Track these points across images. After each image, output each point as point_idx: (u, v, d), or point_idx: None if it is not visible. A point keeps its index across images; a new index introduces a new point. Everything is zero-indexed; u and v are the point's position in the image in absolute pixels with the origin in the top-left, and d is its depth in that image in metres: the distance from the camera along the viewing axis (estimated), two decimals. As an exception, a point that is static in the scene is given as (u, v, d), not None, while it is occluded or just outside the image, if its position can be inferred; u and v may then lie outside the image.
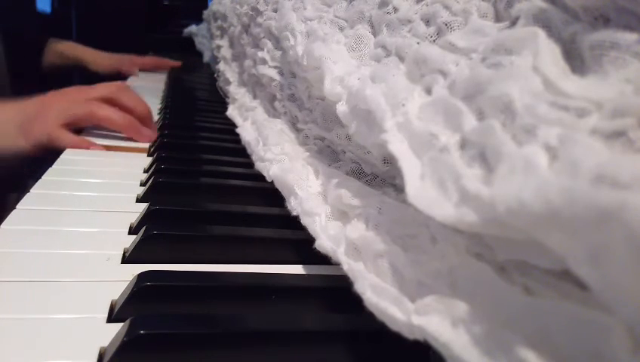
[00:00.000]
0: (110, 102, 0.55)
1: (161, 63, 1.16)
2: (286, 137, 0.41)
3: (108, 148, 0.53)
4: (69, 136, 0.52)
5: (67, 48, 1.11)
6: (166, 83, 0.98)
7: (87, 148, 0.52)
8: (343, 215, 0.27)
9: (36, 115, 0.53)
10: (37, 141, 0.52)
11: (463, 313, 0.15)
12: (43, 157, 0.51)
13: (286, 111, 0.43)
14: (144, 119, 0.57)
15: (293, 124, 0.41)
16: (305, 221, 0.29)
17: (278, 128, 0.43)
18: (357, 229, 0.24)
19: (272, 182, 0.37)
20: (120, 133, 0.56)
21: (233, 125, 0.56)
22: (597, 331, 0.12)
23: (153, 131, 0.58)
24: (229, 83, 0.71)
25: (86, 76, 1.12)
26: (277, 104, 0.46)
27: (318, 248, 0.27)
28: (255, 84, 0.56)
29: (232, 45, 0.77)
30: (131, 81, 1.00)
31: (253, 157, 0.45)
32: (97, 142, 0.53)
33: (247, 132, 0.50)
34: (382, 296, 0.20)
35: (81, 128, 0.56)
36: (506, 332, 0.14)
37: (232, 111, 0.61)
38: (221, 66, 0.78)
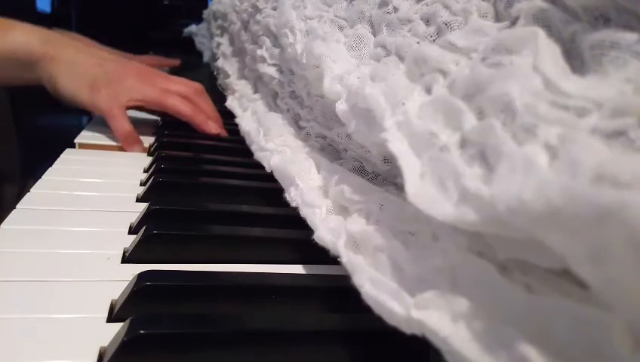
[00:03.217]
0: (185, 100, 0.57)
1: (160, 63, 1.16)
2: (288, 130, 0.41)
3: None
4: (122, 123, 0.52)
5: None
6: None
7: (129, 146, 0.52)
8: (343, 210, 0.27)
9: (111, 79, 0.54)
10: (97, 104, 0.53)
11: (464, 308, 0.15)
12: (43, 157, 0.51)
13: (288, 109, 0.43)
14: (216, 120, 0.58)
15: (296, 122, 0.41)
16: (304, 212, 0.29)
17: (279, 122, 0.43)
18: (358, 223, 0.24)
19: (271, 172, 0.37)
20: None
21: (234, 125, 0.56)
22: (597, 329, 0.12)
23: (221, 130, 0.58)
24: (228, 76, 0.71)
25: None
26: (279, 101, 0.46)
27: (316, 240, 0.27)
28: (257, 79, 0.56)
29: (232, 42, 0.77)
30: None
31: (253, 147, 0.45)
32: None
33: (246, 122, 0.50)
34: (381, 289, 0.20)
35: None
36: (507, 328, 0.14)
37: (231, 102, 0.61)
38: (220, 62, 0.78)
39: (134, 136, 0.53)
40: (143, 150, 0.53)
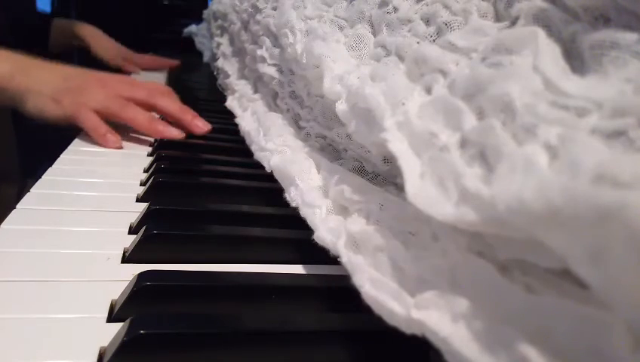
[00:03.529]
0: (146, 105, 0.56)
1: (160, 63, 1.15)
2: (288, 130, 0.41)
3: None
4: (91, 118, 0.53)
5: (75, 27, 1.09)
6: (166, 83, 0.98)
7: (102, 135, 0.52)
8: (343, 210, 0.27)
9: (73, 89, 0.55)
10: (64, 111, 0.53)
11: (464, 308, 0.15)
12: (43, 157, 0.51)
13: (288, 109, 0.43)
14: (183, 114, 0.57)
15: (296, 122, 0.41)
16: (304, 212, 0.29)
17: (279, 122, 0.43)
18: (358, 223, 0.24)
19: (271, 172, 0.37)
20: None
21: (233, 125, 0.56)
22: (597, 329, 0.12)
23: (200, 127, 0.57)
24: (228, 76, 0.71)
25: (87, 60, 1.10)
26: (279, 101, 0.46)
27: (316, 240, 0.27)
28: (257, 79, 0.56)
29: (232, 42, 0.77)
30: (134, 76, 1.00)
31: (253, 147, 0.45)
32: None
33: (246, 122, 0.50)
34: (381, 289, 0.20)
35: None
36: (507, 328, 0.14)
37: (231, 102, 0.61)
38: (220, 62, 0.79)
39: (105, 127, 0.53)
40: (118, 142, 0.53)
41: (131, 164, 0.48)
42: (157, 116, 0.58)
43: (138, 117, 0.55)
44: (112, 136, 0.53)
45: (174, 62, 1.16)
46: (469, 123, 0.18)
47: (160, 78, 1.05)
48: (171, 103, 0.58)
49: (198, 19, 1.33)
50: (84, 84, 0.56)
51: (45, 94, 0.54)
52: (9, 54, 0.58)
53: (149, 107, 0.57)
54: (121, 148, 0.53)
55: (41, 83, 0.55)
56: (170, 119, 0.57)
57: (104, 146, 0.52)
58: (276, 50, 0.46)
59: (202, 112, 0.66)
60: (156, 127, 0.55)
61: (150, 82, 0.60)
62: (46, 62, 0.59)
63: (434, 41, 0.25)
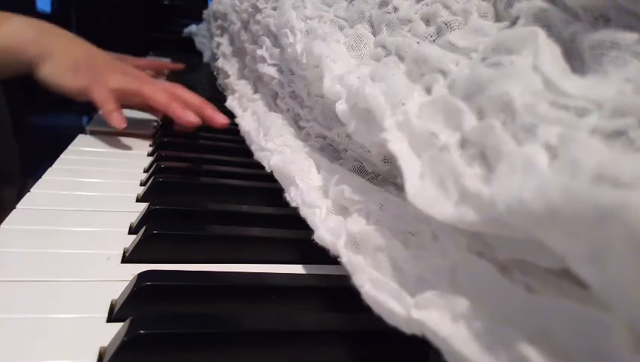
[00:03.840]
0: (167, 93, 0.56)
1: (160, 66, 1.10)
2: (288, 130, 0.41)
3: (121, 133, 0.54)
4: (102, 93, 0.52)
5: None
6: (167, 80, 0.98)
7: (109, 111, 0.52)
8: (343, 210, 0.27)
9: (95, 66, 0.55)
10: (80, 83, 0.53)
11: (464, 308, 0.15)
12: (43, 157, 0.51)
13: (288, 109, 0.43)
14: (205, 106, 0.57)
15: (296, 122, 0.41)
16: (304, 212, 0.29)
17: (279, 122, 0.43)
18: (358, 223, 0.24)
19: (271, 172, 0.37)
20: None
21: (233, 125, 0.56)
22: (597, 329, 0.12)
23: (220, 118, 0.57)
24: (228, 76, 0.71)
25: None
26: (279, 101, 0.46)
27: (316, 240, 0.27)
28: (257, 79, 0.56)
29: (232, 42, 0.77)
30: None
31: (253, 147, 0.45)
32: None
33: (246, 122, 0.50)
34: (381, 289, 0.20)
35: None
36: (507, 328, 0.14)
37: (231, 102, 0.61)
38: (220, 62, 0.78)
39: (114, 105, 0.52)
40: (123, 122, 0.52)
41: (131, 164, 0.48)
42: None
43: (158, 93, 0.54)
44: (119, 115, 0.52)
45: (178, 66, 1.13)
46: (469, 123, 0.18)
47: (160, 77, 1.05)
48: (192, 95, 0.58)
49: (198, 19, 1.33)
50: (107, 64, 0.56)
51: (65, 63, 0.54)
52: (36, 21, 0.57)
53: (170, 95, 0.56)
54: (124, 128, 0.52)
55: (63, 51, 0.55)
56: (192, 108, 0.56)
57: (109, 123, 0.52)
58: (276, 50, 0.46)
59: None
60: (175, 106, 0.54)
61: (167, 82, 0.61)
62: (74, 35, 0.59)
63: (434, 41, 0.25)
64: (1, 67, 0.56)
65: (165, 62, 1.17)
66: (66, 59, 0.54)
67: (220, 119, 0.56)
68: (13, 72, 0.57)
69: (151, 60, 1.15)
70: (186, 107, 0.55)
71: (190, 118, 0.54)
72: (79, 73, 0.54)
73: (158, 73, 1.10)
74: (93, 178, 0.42)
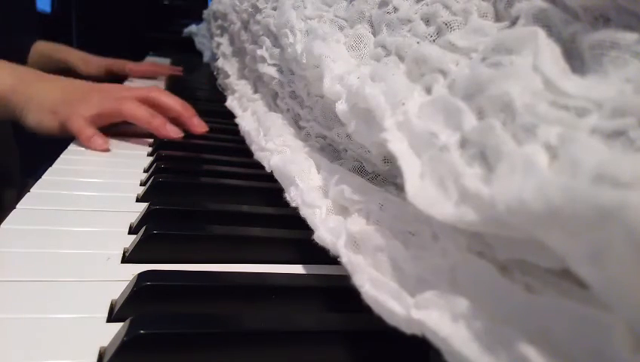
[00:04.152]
0: (145, 102, 0.56)
1: (158, 70, 1.10)
2: (288, 130, 0.41)
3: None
4: (79, 122, 0.53)
5: (52, 50, 1.07)
6: (165, 83, 0.98)
7: (88, 138, 0.52)
8: (343, 210, 0.27)
9: (70, 100, 0.55)
10: (58, 120, 0.54)
11: (464, 308, 0.15)
12: (42, 157, 0.51)
13: (288, 109, 0.43)
14: (183, 112, 0.57)
15: (296, 122, 0.41)
16: (304, 212, 0.29)
17: (279, 122, 0.43)
18: (358, 223, 0.24)
19: (271, 172, 0.37)
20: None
21: (233, 125, 0.56)
22: (598, 329, 0.12)
23: (198, 126, 0.58)
24: (228, 76, 0.71)
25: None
26: (279, 101, 0.46)
27: (316, 240, 0.27)
28: (257, 79, 0.56)
29: (232, 42, 0.77)
30: (130, 82, 1.00)
31: (253, 147, 0.45)
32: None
33: (246, 122, 0.50)
34: (381, 289, 0.20)
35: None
36: (507, 328, 0.14)
37: (231, 102, 0.61)
38: (220, 62, 0.79)
39: (92, 130, 0.53)
40: (105, 144, 0.52)
41: (131, 164, 0.48)
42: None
43: (137, 111, 0.54)
44: (99, 139, 0.52)
45: (175, 70, 1.11)
46: (469, 123, 0.18)
47: (159, 79, 1.05)
48: (172, 99, 0.58)
49: (198, 19, 1.33)
50: (83, 94, 0.56)
51: (44, 107, 0.55)
52: (12, 67, 0.59)
53: (149, 104, 0.56)
54: (107, 150, 0.52)
55: (41, 96, 0.56)
56: (171, 114, 0.57)
57: (91, 149, 0.52)
58: (276, 50, 0.46)
59: (202, 112, 0.66)
60: (156, 122, 0.54)
61: (145, 87, 0.60)
62: (48, 75, 0.60)
63: (434, 41, 0.25)
64: None
65: (164, 64, 1.17)
66: (43, 103, 0.56)
67: (198, 128, 0.57)
68: (1, 118, 0.59)
69: (148, 65, 1.14)
70: (166, 117, 0.56)
71: (171, 135, 0.55)
72: (57, 113, 0.55)
73: (157, 77, 1.10)
74: (93, 178, 0.42)
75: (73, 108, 0.54)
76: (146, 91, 0.57)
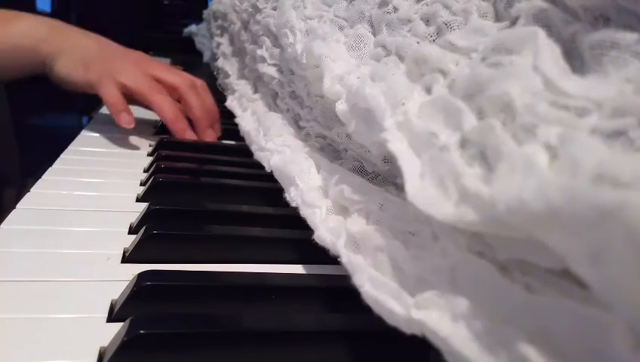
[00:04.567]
0: (174, 92, 0.56)
1: None
2: (288, 130, 0.41)
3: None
4: (111, 90, 0.52)
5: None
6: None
7: (118, 112, 0.51)
8: (343, 210, 0.27)
9: (106, 58, 0.54)
10: (90, 77, 0.53)
11: (464, 308, 0.15)
12: (43, 157, 0.51)
13: (288, 109, 0.43)
14: (202, 120, 0.56)
15: (296, 122, 0.41)
16: (304, 212, 0.29)
17: (279, 122, 0.43)
18: (358, 223, 0.24)
19: (271, 172, 0.37)
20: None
21: (234, 125, 0.56)
22: (597, 329, 0.12)
23: (214, 133, 0.57)
24: (228, 76, 0.71)
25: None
26: (279, 101, 0.46)
27: (316, 240, 0.27)
28: (257, 79, 0.56)
29: (232, 42, 0.77)
30: None
31: (253, 147, 0.45)
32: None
33: (246, 122, 0.50)
34: (381, 289, 0.20)
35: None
36: (507, 328, 0.14)
37: (231, 102, 0.60)
38: (220, 62, 0.78)
39: (123, 105, 0.52)
40: (131, 122, 0.52)
41: (131, 164, 0.48)
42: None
43: (165, 106, 0.54)
44: (128, 116, 0.52)
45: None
46: (469, 123, 0.18)
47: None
48: (198, 103, 0.57)
49: (198, 19, 1.33)
50: (119, 56, 0.55)
51: (77, 57, 0.54)
52: (48, 20, 0.57)
53: (176, 96, 0.56)
54: (132, 127, 0.52)
55: (75, 46, 0.55)
56: (190, 116, 0.57)
57: (117, 123, 0.52)
58: (276, 50, 0.46)
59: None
60: (178, 126, 0.54)
61: (185, 73, 0.60)
62: (83, 30, 0.59)
63: (434, 41, 0.25)
64: (15, 67, 0.56)
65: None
66: (77, 54, 0.54)
67: (208, 137, 0.57)
68: (27, 72, 0.57)
69: None
70: (187, 123, 0.55)
71: (187, 137, 0.55)
72: (90, 66, 0.53)
73: None
74: (93, 178, 0.42)
75: (107, 69, 0.53)
76: (179, 81, 0.56)
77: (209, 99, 0.59)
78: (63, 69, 0.54)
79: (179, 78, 0.57)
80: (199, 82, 0.59)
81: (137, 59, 0.57)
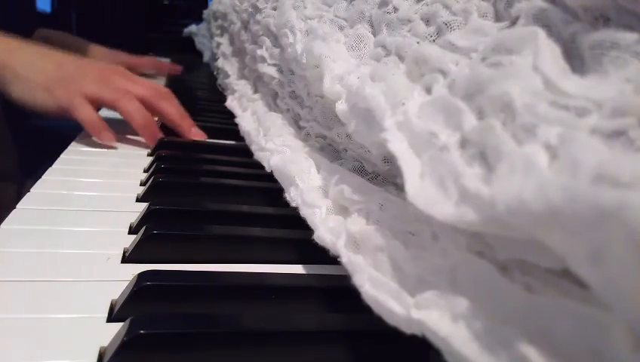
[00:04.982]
0: (143, 102, 0.54)
1: (160, 66, 1.09)
2: (288, 130, 0.41)
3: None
4: (86, 111, 0.50)
5: (58, 37, 1.01)
6: (165, 83, 0.98)
7: (98, 133, 0.50)
8: (343, 210, 0.27)
9: (66, 78, 0.52)
10: (57, 102, 0.51)
11: (464, 308, 0.15)
12: (43, 157, 0.51)
13: (288, 109, 0.43)
14: (182, 124, 0.56)
15: (296, 122, 0.41)
16: (304, 212, 0.29)
17: (279, 122, 0.43)
18: (358, 223, 0.24)
19: (271, 172, 0.37)
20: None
21: (234, 125, 0.56)
22: (597, 329, 0.12)
23: (195, 135, 0.56)
24: (228, 76, 0.71)
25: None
26: (279, 101, 0.46)
27: (316, 240, 0.27)
28: (257, 79, 0.56)
29: (232, 42, 0.77)
30: None
31: (253, 147, 0.45)
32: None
33: (246, 122, 0.50)
34: (381, 289, 0.20)
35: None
36: (507, 328, 0.14)
37: (231, 102, 0.61)
38: (220, 62, 0.78)
39: (102, 123, 0.51)
40: (113, 138, 0.51)
41: (131, 164, 0.48)
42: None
43: (135, 113, 0.52)
44: (109, 133, 0.51)
45: (176, 68, 1.12)
46: (469, 123, 0.18)
47: (160, 77, 1.05)
48: (171, 107, 0.56)
49: (198, 19, 1.33)
50: (80, 73, 0.53)
51: (36, 82, 0.51)
52: (0, 39, 0.54)
53: (146, 105, 0.54)
54: (113, 146, 0.51)
55: (31, 69, 0.52)
56: (168, 123, 0.56)
57: (98, 140, 0.51)
58: (276, 50, 0.46)
59: (202, 112, 0.67)
60: (147, 132, 0.53)
61: (149, 82, 0.58)
62: (40, 46, 0.56)
63: (434, 41, 0.25)
64: None
65: (165, 62, 1.17)
66: (33, 76, 0.52)
67: (196, 135, 0.56)
68: None
69: (149, 59, 1.14)
70: (158, 129, 0.54)
71: (152, 144, 0.53)
72: (53, 90, 0.51)
73: (158, 74, 1.09)
74: (93, 178, 0.42)
75: (72, 88, 0.51)
76: (146, 90, 0.55)
77: (178, 102, 0.58)
78: (23, 95, 0.52)
79: (143, 88, 0.55)
80: (164, 89, 0.58)
81: (100, 72, 0.55)
